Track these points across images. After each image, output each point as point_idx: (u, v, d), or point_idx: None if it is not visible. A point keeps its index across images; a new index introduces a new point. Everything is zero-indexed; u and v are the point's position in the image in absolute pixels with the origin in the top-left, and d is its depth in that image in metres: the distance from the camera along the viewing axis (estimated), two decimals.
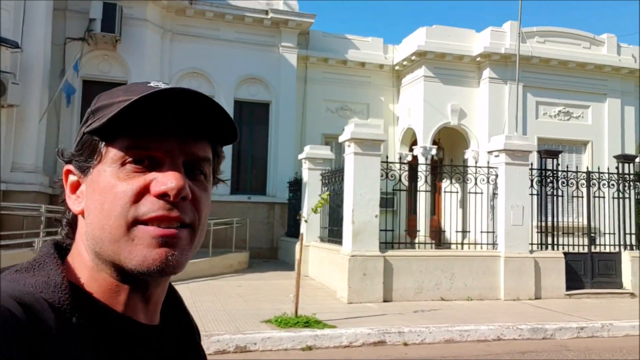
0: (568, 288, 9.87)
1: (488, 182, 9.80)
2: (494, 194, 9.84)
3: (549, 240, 10.21)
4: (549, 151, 10.40)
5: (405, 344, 6.50)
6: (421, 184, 10.04)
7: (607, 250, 10.62)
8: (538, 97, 15.95)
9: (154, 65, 13.81)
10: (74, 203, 0.74)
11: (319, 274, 10.87)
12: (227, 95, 14.67)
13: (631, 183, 10.76)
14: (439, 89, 15.50)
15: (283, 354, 5.97)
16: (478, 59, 15.46)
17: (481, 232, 9.78)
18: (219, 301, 8.28)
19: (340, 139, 9.25)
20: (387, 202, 14.80)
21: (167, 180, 0.67)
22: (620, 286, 10.36)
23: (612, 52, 16.72)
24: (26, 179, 11.28)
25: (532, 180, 9.98)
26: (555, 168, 10.30)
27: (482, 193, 9.84)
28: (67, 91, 12.02)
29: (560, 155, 10.60)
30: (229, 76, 14.72)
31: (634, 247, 10.73)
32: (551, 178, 10.25)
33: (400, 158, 15.61)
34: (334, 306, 8.31)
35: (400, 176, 9.92)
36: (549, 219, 10.23)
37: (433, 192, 13.31)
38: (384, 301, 8.63)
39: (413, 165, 12.04)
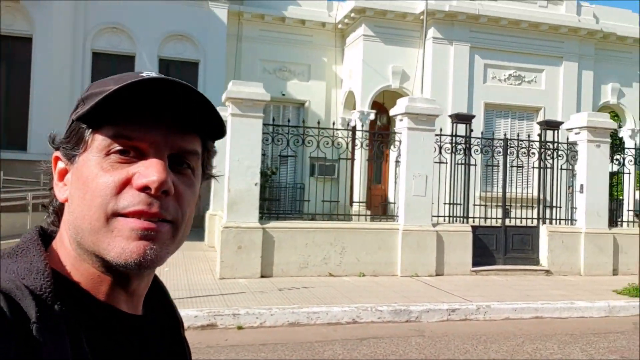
0: (477, 264, 9.21)
1: (390, 148, 9.01)
2: (397, 162, 9.09)
3: (460, 212, 9.48)
4: (460, 115, 9.58)
5: (240, 328, 5.85)
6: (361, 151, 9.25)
7: (526, 223, 9.92)
8: (487, 59, 14.96)
9: (66, 20, 12.85)
10: (60, 190, 0.73)
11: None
12: (151, 53, 13.76)
13: (554, 152, 9.96)
14: (380, 49, 14.53)
15: None
16: (422, 17, 14.42)
17: (381, 203, 9.05)
18: None
19: (222, 98, 8.43)
20: (327, 170, 14.13)
21: (149, 173, 0.66)
22: (537, 262, 9.70)
23: (571, 12, 15.63)
24: None
25: (440, 148, 9.20)
26: (468, 134, 9.48)
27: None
28: None
29: (473, 120, 9.76)
30: (152, 32, 13.76)
31: (555, 221, 10.01)
32: (463, 145, 9.44)
33: (346, 124, 14.88)
34: (204, 282, 7.66)
35: (333, 142, 9.15)
36: (461, 189, 9.48)
37: (381, 160, 12.51)
38: (262, 277, 7.98)
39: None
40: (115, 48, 13.73)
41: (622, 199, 14.42)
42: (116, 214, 0.66)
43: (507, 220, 9.72)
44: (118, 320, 0.71)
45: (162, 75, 0.68)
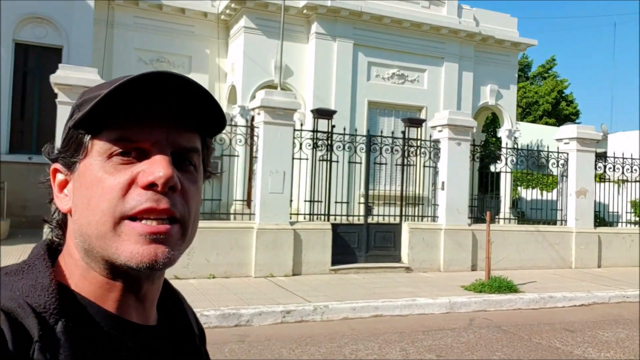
0: (337, 262, 9.02)
1: (246, 143, 8.60)
2: (253, 158, 8.69)
3: (321, 210, 9.25)
4: (321, 110, 9.36)
5: None
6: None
7: (388, 221, 9.87)
8: (370, 57, 14.97)
9: None
10: (61, 202, 0.72)
11: None
12: (5, 36, 12.46)
13: (418, 149, 10.00)
14: (262, 42, 14.10)
15: None
16: (305, 11, 14.16)
17: (235, 200, 8.62)
18: None
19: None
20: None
21: (154, 170, 0.65)
22: (399, 260, 9.68)
23: (452, 14, 16.02)
24: None
25: (300, 144, 8.91)
26: (330, 130, 9.26)
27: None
28: None
29: (335, 116, 9.57)
30: (6, 13, 12.45)
31: (418, 218, 10.06)
32: (325, 141, 9.21)
33: (230, 119, 14.29)
34: None
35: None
36: (321, 186, 9.24)
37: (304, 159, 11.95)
38: None
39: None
40: None
41: (500, 197, 15.04)
42: (124, 217, 0.65)
43: (369, 218, 9.62)
44: (127, 333, 0.69)
45: (159, 70, 0.66)
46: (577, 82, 73.26)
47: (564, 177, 11.31)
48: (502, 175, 12.90)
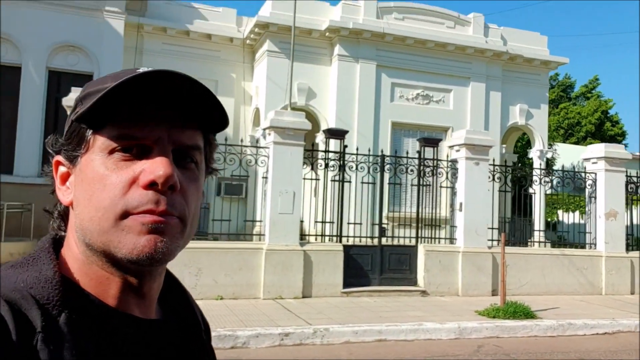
0: (350, 285, 8.85)
1: (257, 164, 8.63)
2: (264, 178, 8.70)
3: (334, 231, 9.14)
4: (333, 130, 9.31)
5: None
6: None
7: (403, 243, 9.66)
8: (394, 78, 14.90)
9: None
10: (63, 194, 0.73)
11: None
12: (38, 64, 13.05)
13: (434, 169, 9.79)
14: (285, 65, 14.25)
15: None
16: (327, 34, 14.28)
17: (245, 221, 8.63)
18: None
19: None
20: (234, 189, 13.63)
21: (155, 169, 0.66)
22: (415, 283, 9.43)
23: (478, 33, 15.83)
24: None
25: (312, 164, 8.87)
26: (342, 150, 9.20)
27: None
28: None
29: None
30: (40, 42, 13.06)
31: (435, 240, 9.80)
32: (337, 161, 9.14)
33: (255, 141, 14.46)
34: None
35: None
36: (334, 207, 9.15)
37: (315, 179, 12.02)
38: None
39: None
40: (0, 58, 12.97)
41: (532, 220, 14.52)
42: (126, 214, 0.65)
43: (384, 240, 9.43)
44: (129, 327, 0.69)
45: (162, 69, 0.66)
46: (623, 102, 70.85)
47: (592, 199, 10.82)
48: (535, 197, 12.48)
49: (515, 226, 15.24)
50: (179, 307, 0.81)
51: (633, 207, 11.42)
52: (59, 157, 0.73)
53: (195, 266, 7.89)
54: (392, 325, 6.76)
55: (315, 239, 9.00)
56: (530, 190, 11.79)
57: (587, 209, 11.04)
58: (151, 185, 0.66)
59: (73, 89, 7.78)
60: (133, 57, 14.27)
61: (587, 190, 10.95)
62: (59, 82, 13.55)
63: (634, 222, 11.76)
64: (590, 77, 52.21)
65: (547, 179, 11.36)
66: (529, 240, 12.77)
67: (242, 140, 10.81)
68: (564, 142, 40.97)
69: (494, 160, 10.30)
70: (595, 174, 10.76)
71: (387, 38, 14.57)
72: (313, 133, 14.79)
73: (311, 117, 14.80)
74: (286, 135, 8.48)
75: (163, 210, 0.66)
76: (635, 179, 11.11)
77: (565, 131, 46.43)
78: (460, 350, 6.33)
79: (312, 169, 8.82)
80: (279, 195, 8.42)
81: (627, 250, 10.71)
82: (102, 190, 0.66)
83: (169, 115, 0.68)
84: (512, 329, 7.18)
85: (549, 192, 12.13)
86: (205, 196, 14.33)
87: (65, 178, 0.73)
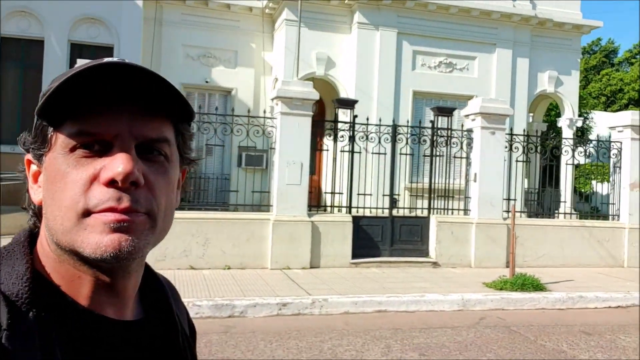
0: (360, 256, 8.84)
1: (264, 135, 8.60)
2: (271, 149, 8.68)
3: (343, 202, 9.09)
4: (342, 100, 9.16)
5: None
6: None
7: (416, 214, 9.53)
8: (415, 45, 14.50)
9: None
10: (35, 193, 0.72)
11: None
12: (61, 37, 13.28)
13: (448, 139, 9.56)
14: (304, 34, 14.04)
15: None
16: (346, 0, 13.96)
17: (252, 192, 8.67)
18: None
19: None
20: (254, 160, 13.71)
21: (114, 166, 0.64)
22: (427, 254, 9.34)
23: None
24: None
25: (314, 134, 8.78)
26: (352, 120, 9.06)
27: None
28: None
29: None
30: (62, 15, 13.24)
31: (448, 211, 9.64)
32: (347, 132, 9.02)
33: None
34: None
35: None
36: (344, 178, 9.08)
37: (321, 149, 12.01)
38: None
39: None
40: (24, 32, 13.24)
41: (559, 191, 14.11)
42: (87, 213, 0.64)
43: (395, 211, 9.33)
44: (101, 327, 0.68)
45: (120, 60, 0.65)
46: None
47: (617, 169, 10.39)
48: (563, 168, 12.08)
49: (543, 197, 14.87)
50: (159, 307, 0.79)
51: None
52: (29, 156, 0.72)
53: (203, 236, 8.00)
54: (393, 297, 6.73)
55: (326, 210, 8.97)
56: (551, 160, 11.41)
57: (611, 179, 10.62)
58: (112, 183, 0.64)
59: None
60: (152, 29, 14.32)
61: (611, 160, 10.51)
62: (80, 54, 13.73)
63: None
64: (635, 42, 49.73)
65: (568, 149, 10.91)
66: (556, 211, 12.43)
67: (264, 112, 10.72)
68: (605, 110, 39.31)
69: (511, 129, 9.98)
70: (621, 142, 10.30)
71: (408, 4, 14.12)
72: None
73: (331, 87, 14.65)
74: (293, 105, 8.40)
75: (126, 207, 0.64)
76: None
77: (607, 99, 44.60)
78: (461, 322, 6.27)
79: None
80: (286, 166, 8.41)
81: None
82: (63, 189, 0.65)
83: (129, 109, 0.66)
84: (518, 301, 7.05)
85: (576, 162, 11.66)
86: (227, 167, 14.48)
87: (36, 176, 0.72)
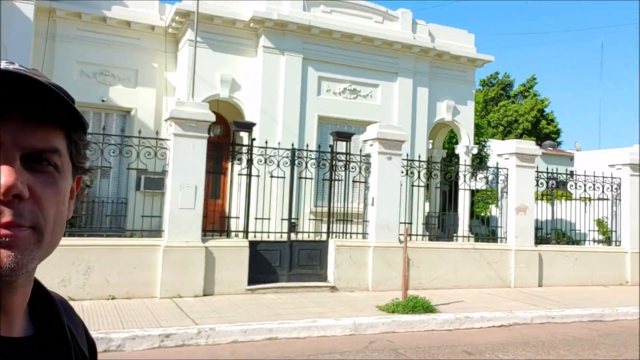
0: (257, 282, 8.61)
1: (157, 156, 8.23)
2: (164, 172, 8.32)
3: (239, 227, 8.86)
4: (240, 123, 9.01)
5: None
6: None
7: (314, 238, 9.50)
8: (321, 71, 14.74)
9: None
10: None
11: None
12: None
13: (347, 164, 9.67)
14: (208, 56, 13.83)
15: None
16: (252, 24, 13.93)
17: (142, 216, 8.23)
18: None
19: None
20: (154, 183, 13.08)
21: None
22: (325, 278, 9.28)
23: (406, 29, 15.87)
24: None
25: (218, 157, 8.57)
26: (250, 143, 8.92)
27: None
28: None
29: (254, 128, 9.23)
30: None
31: (348, 235, 9.69)
32: (246, 155, 8.86)
33: None
34: None
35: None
36: (240, 202, 8.87)
37: (218, 172, 11.59)
38: None
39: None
40: None
41: (457, 215, 14.70)
42: None
43: (295, 235, 9.24)
44: None
45: (4, 67, 0.63)
46: (560, 101, 73.83)
47: (505, 193, 11.00)
48: (460, 193, 12.59)
49: (443, 221, 15.45)
50: (50, 323, 0.75)
51: (567, 203, 11.79)
52: None
53: (84, 265, 7.44)
54: (285, 323, 6.56)
55: (229, 235, 8.69)
56: (448, 185, 11.90)
57: (499, 203, 11.23)
58: None
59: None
60: (44, 43, 13.47)
61: (499, 185, 11.12)
62: None
63: (568, 218, 12.22)
64: (528, 77, 54.02)
65: (461, 175, 11.42)
66: (454, 234, 12.92)
67: (157, 133, 10.30)
68: (503, 139, 42.04)
69: (407, 155, 10.28)
70: (507, 169, 10.93)
71: (313, 31, 14.37)
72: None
73: (236, 109, 14.47)
74: (188, 127, 8.12)
75: (8, 222, 0.62)
76: (545, 175, 11.37)
77: (505, 128, 47.88)
78: (351, 346, 6.21)
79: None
80: (179, 189, 8.07)
81: (536, 244, 10.95)
82: None
83: (14, 118, 0.64)
84: (408, 324, 7.13)
85: (469, 187, 12.25)
86: (124, 191, 13.78)
87: None
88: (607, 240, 12.61)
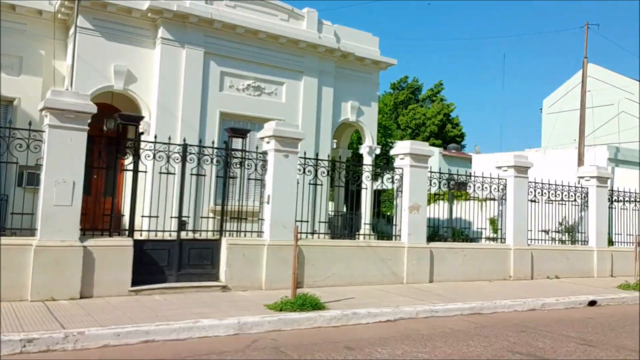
0: (143, 282, 8.19)
1: (29, 149, 7.58)
2: (38, 166, 7.70)
3: (121, 224, 8.39)
4: (125, 116, 8.53)
5: None
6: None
7: (206, 236, 9.22)
8: (223, 67, 14.41)
9: None
10: None
11: None
12: None
13: (243, 161, 9.47)
14: (101, 45, 13.06)
15: None
16: (150, 14, 13.34)
17: (11, 214, 7.57)
18: None
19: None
20: (38, 179, 12.09)
21: None
22: (217, 278, 9.03)
23: (312, 28, 15.91)
24: None
25: (100, 152, 8.05)
26: (136, 137, 8.48)
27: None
28: None
29: (142, 122, 8.82)
30: None
31: (242, 234, 9.49)
32: (131, 149, 8.41)
33: None
34: None
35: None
36: (125, 199, 8.40)
37: (113, 170, 10.80)
38: None
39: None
40: None
41: (360, 213, 14.89)
42: None
43: (184, 234, 8.90)
44: None
45: None
46: (467, 106, 77.93)
47: (400, 193, 11.30)
48: (363, 192, 12.75)
49: (346, 220, 15.62)
50: None
51: (466, 203, 12.32)
52: None
53: None
54: (163, 325, 6.26)
55: (119, 234, 8.18)
56: (349, 184, 12.04)
57: (395, 202, 11.52)
58: None
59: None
60: None
61: (395, 185, 11.40)
62: None
63: (466, 217, 12.79)
64: (436, 82, 56.40)
65: (360, 175, 11.60)
66: (357, 233, 13.10)
67: (30, 124, 9.52)
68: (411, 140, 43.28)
69: (305, 153, 10.26)
70: (402, 169, 11.23)
71: (216, 25, 14.02)
72: None
73: (132, 102, 13.78)
74: (65, 118, 7.55)
75: None
76: (438, 175, 11.81)
77: (413, 131, 49.64)
78: (232, 346, 6.03)
79: (99, 157, 7.99)
80: (54, 185, 7.49)
81: (428, 241, 11.34)
82: None
83: None
84: (295, 322, 7.07)
85: (366, 187, 12.48)
86: (3, 186, 12.67)
87: None
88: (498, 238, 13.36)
